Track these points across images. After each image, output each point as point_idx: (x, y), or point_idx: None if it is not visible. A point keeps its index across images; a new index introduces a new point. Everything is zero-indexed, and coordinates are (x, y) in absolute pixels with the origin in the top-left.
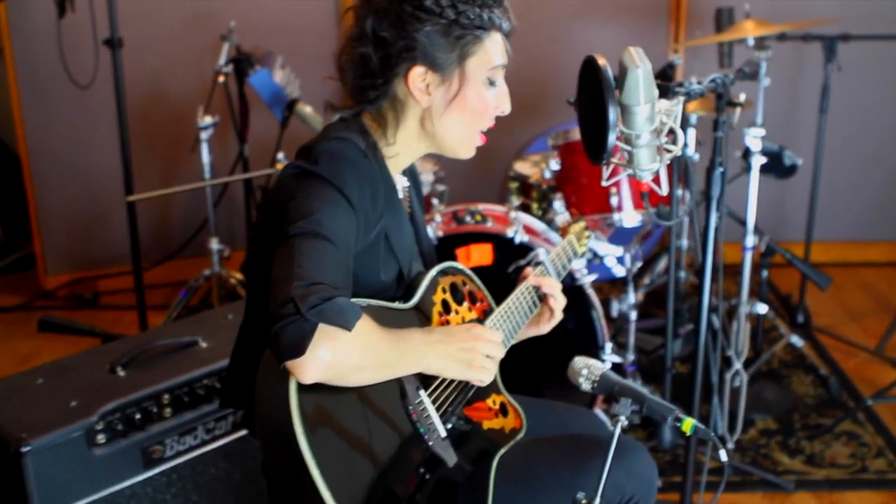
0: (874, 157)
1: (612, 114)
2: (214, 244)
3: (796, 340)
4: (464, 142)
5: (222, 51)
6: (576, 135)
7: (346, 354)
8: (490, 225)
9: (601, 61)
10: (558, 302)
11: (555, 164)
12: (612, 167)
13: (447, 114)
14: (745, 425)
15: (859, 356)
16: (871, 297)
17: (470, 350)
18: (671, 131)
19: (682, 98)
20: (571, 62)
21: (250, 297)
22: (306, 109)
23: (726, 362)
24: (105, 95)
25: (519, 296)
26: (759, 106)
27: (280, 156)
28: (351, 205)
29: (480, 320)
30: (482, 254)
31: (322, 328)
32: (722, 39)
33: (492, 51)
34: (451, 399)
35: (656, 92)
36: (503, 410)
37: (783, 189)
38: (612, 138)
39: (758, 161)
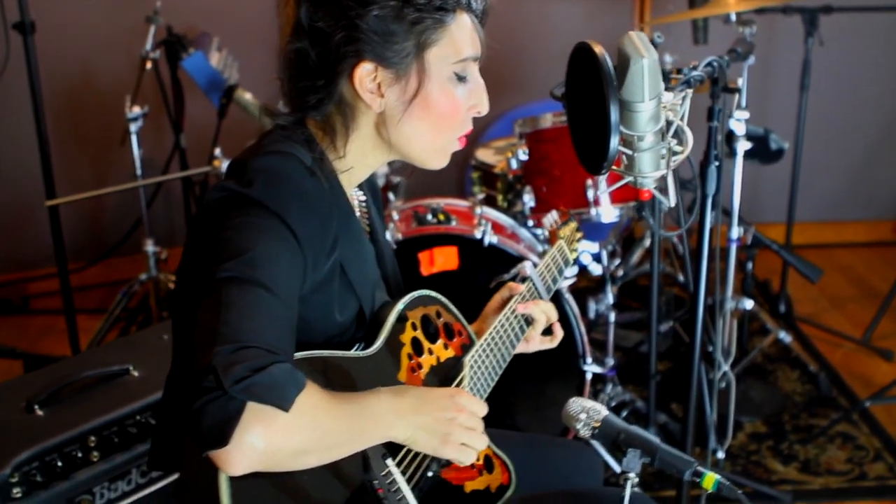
0: (850, 133)
1: (615, 114)
2: (150, 246)
3: (784, 336)
4: (433, 151)
5: (148, 34)
6: (545, 122)
7: (283, 439)
8: (454, 225)
9: (598, 49)
10: (556, 331)
11: (522, 154)
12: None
13: (406, 119)
14: (733, 429)
15: (845, 346)
16: (850, 280)
17: (450, 422)
18: (677, 130)
19: (689, 90)
20: (530, 36)
21: (177, 345)
22: (246, 96)
23: (710, 363)
24: (20, 86)
25: (504, 323)
26: (743, 87)
27: (217, 152)
28: (296, 238)
29: (459, 358)
30: (447, 258)
31: (251, 408)
32: (700, 15)
33: (458, 38)
34: (425, 464)
35: (662, 86)
36: (488, 465)
37: (757, 167)
38: (614, 144)
39: (742, 146)
